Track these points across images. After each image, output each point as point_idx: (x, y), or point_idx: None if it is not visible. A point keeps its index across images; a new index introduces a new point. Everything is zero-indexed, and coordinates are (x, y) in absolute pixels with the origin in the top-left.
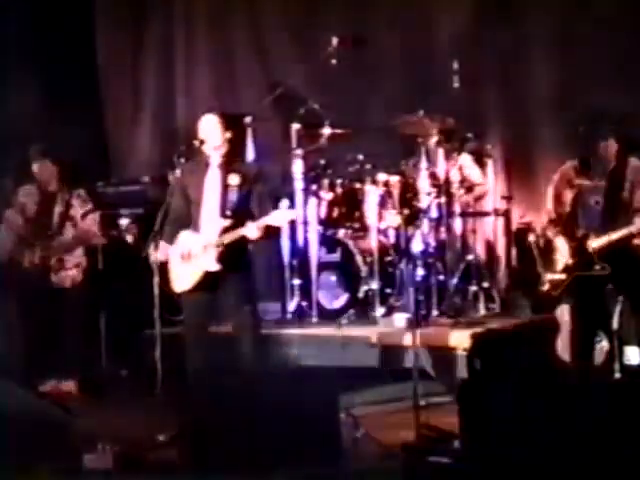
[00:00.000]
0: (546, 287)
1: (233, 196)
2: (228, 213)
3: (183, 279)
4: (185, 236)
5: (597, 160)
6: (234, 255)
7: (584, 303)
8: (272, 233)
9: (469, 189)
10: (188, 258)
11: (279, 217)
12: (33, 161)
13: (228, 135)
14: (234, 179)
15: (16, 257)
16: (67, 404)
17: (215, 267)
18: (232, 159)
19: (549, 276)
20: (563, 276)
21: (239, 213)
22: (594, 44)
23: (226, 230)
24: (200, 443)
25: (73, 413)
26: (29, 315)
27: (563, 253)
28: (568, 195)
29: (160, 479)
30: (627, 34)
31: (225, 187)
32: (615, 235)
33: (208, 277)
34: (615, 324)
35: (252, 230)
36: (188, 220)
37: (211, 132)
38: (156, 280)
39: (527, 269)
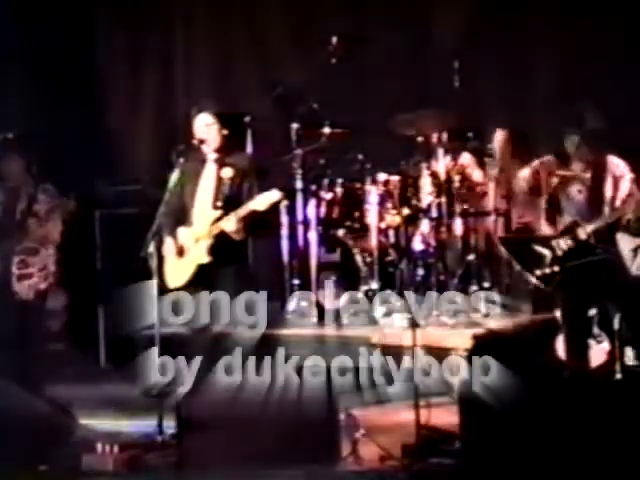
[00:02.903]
0: (535, 283)
1: (225, 189)
2: (219, 204)
3: (177, 275)
4: (180, 232)
5: (576, 153)
6: (227, 248)
7: (576, 301)
8: (260, 225)
9: (470, 189)
10: (181, 253)
11: (262, 200)
12: (7, 155)
13: (224, 132)
14: (227, 172)
15: None
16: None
17: (206, 259)
18: (227, 154)
19: (538, 272)
20: (556, 268)
21: (231, 205)
22: (594, 43)
23: (216, 221)
24: (200, 443)
25: (72, 413)
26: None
27: (550, 245)
28: (549, 184)
29: (160, 479)
30: (626, 34)
31: (218, 180)
32: (611, 218)
33: (202, 272)
34: (616, 325)
35: (230, 223)
36: (184, 217)
37: (207, 131)
38: (155, 280)
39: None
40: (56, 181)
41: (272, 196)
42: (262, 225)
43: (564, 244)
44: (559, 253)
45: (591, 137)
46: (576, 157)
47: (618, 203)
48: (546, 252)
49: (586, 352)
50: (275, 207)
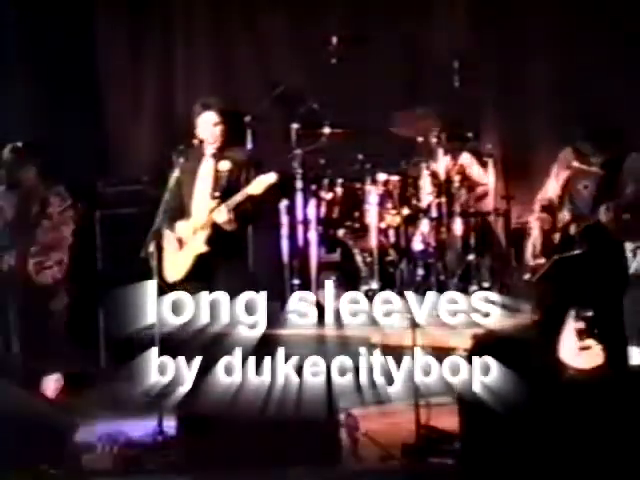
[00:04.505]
0: (527, 276)
1: (223, 181)
2: (217, 194)
3: (176, 267)
4: (179, 225)
5: (595, 147)
6: (224, 238)
7: (554, 295)
8: (251, 215)
9: (470, 189)
10: (180, 246)
11: (258, 183)
12: (18, 164)
13: (227, 130)
14: (224, 165)
15: None
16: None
17: (204, 249)
18: (225, 149)
19: (532, 262)
20: (541, 261)
21: (228, 197)
22: (594, 43)
23: (212, 212)
24: (200, 443)
25: (72, 413)
26: (11, 316)
27: (546, 237)
28: (562, 176)
29: (160, 479)
30: (626, 34)
31: (216, 172)
32: (604, 217)
33: (200, 264)
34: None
35: (221, 214)
36: (183, 214)
37: (211, 129)
38: (155, 280)
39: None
40: (66, 183)
41: (268, 178)
42: (253, 214)
43: (555, 238)
44: (552, 246)
45: (606, 137)
46: (595, 153)
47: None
48: (537, 245)
49: (556, 345)
50: (270, 192)
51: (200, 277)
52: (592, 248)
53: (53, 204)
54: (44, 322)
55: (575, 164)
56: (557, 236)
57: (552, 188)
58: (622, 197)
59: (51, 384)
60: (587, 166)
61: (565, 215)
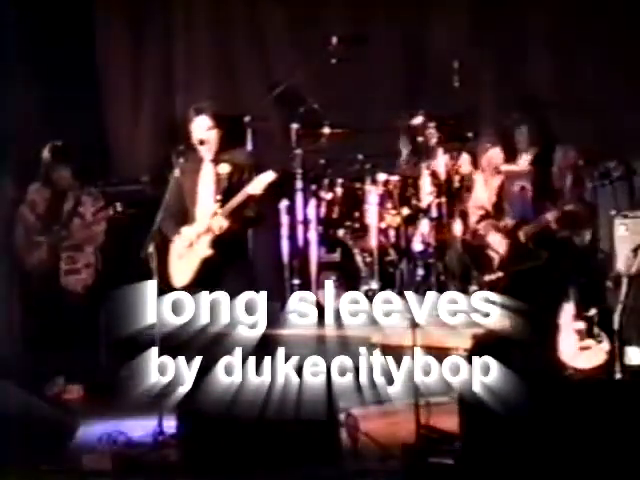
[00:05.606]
0: (480, 290)
1: (224, 184)
2: (219, 197)
3: (182, 273)
4: (184, 230)
5: (522, 146)
6: (229, 241)
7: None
8: (250, 219)
9: (470, 189)
10: (186, 251)
11: (258, 182)
12: (54, 163)
13: (222, 134)
14: (224, 168)
15: (23, 255)
16: (74, 408)
17: (209, 252)
18: (224, 152)
19: (486, 277)
20: (500, 274)
21: (231, 199)
22: (593, 43)
23: (215, 216)
24: (200, 443)
25: (74, 414)
26: (35, 316)
27: (497, 248)
28: (494, 182)
29: (160, 479)
30: (626, 33)
31: (217, 176)
32: (535, 224)
33: (206, 269)
34: (616, 324)
35: (218, 220)
36: (185, 217)
37: (206, 134)
38: (155, 280)
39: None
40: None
41: (267, 177)
42: (256, 215)
43: (505, 247)
44: (504, 257)
45: (540, 126)
46: (523, 150)
47: (565, 197)
48: (493, 256)
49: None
50: (270, 191)
51: (207, 280)
52: (550, 256)
53: (85, 204)
54: (74, 322)
55: (505, 167)
56: (508, 247)
57: (483, 195)
58: (564, 196)
59: (72, 392)
60: (516, 165)
61: (508, 222)
